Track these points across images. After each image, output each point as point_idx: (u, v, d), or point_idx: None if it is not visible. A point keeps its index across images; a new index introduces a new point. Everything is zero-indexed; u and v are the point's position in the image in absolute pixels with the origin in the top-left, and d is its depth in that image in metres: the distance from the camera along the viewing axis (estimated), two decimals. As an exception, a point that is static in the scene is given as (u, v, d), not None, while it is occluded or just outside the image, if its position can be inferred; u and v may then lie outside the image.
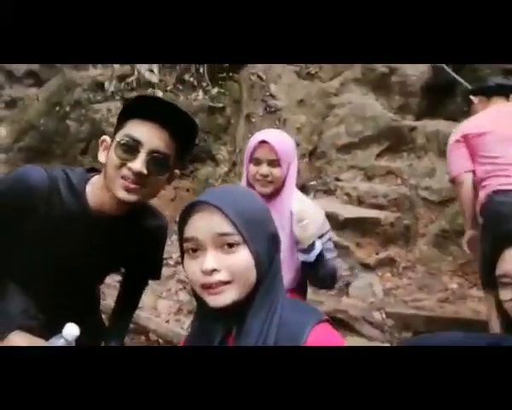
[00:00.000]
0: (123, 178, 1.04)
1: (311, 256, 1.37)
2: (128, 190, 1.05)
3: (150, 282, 1.49)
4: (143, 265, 1.36)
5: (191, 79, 4.27)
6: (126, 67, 4.20)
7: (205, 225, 0.78)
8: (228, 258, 0.76)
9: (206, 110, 4.11)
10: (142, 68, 4.20)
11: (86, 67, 4.23)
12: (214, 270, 0.76)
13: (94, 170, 1.19)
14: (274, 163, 1.47)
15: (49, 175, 1.10)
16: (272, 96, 4.28)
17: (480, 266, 2.21)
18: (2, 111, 4.54)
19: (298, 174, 1.59)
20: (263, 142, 1.48)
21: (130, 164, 1.03)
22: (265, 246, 0.80)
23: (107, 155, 1.07)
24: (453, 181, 2.30)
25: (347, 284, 3.00)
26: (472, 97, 2.43)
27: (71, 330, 1.00)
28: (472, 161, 2.20)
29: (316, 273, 1.45)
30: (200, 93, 4.22)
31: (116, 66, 4.25)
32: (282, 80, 4.28)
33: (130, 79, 4.12)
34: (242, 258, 0.77)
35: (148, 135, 1.04)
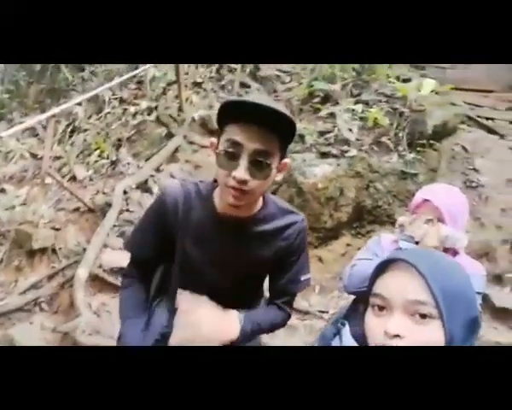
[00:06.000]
0: (229, 187, 1.07)
1: None
2: (235, 197, 1.08)
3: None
4: (283, 271, 1.30)
5: (388, 142, 4.24)
6: (327, 125, 4.48)
7: (399, 286, 0.71)
8: (416, 329, 0.69)
9: (397, 174, 4.01)
10: (343, 127, 4.41)
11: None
12: (397, 336, 0.68)
13: None
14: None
15: (183, 189, 1.23)
16: (476, 170, 3.88)
17: None
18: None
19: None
20: (425, 200, 1.37)
21: (234, 173, 1.05)
22: (462, 330, 0.69)
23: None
24: None
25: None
26: None
27: None
28: None
29: None
30: (395, 157, 4.14)
31: (319, 122, 4.58)
32: (492, 155, 3.83)
33: (329, 135, 4.36)
34: (433, 335, 0.68)
35: (247, 137, 1.03)
